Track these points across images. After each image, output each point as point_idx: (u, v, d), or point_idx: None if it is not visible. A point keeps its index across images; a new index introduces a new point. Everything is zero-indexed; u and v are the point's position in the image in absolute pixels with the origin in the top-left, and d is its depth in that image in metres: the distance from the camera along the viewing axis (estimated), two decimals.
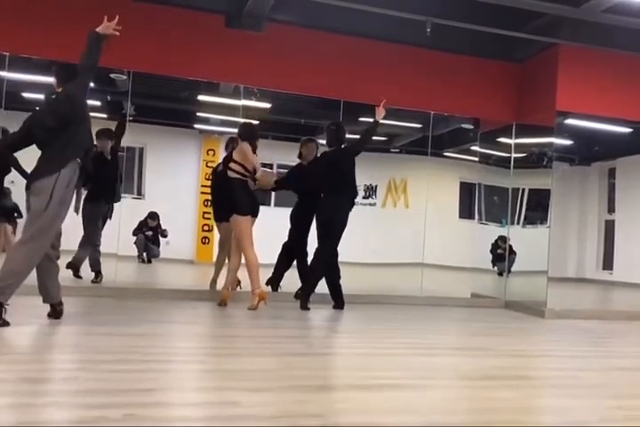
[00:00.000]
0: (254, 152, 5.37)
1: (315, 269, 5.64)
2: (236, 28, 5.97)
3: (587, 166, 12.16)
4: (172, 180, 9.50)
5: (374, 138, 5.92)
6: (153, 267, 9.01)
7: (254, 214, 5.42)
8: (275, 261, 6.17)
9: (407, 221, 9.03)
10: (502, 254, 7.53)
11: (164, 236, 9.06)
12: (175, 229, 9.07)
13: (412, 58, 6.71)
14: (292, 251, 6.06)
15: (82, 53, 3.93)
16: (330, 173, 5.62)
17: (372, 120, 5.70)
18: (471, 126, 7.99)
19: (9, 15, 5.46)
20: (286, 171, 8.68)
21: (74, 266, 6.04)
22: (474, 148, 8.01)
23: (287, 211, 6.21)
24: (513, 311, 6.65)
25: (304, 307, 5.46)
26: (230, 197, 5.35)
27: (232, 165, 5.38)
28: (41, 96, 5.97)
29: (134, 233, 8.70)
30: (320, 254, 5.60)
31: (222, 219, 5.81)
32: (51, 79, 4.10)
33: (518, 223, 7.64)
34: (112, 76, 6.51)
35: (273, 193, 8.11)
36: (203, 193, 9.39)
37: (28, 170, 4.94)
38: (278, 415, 2.33)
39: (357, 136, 5.94)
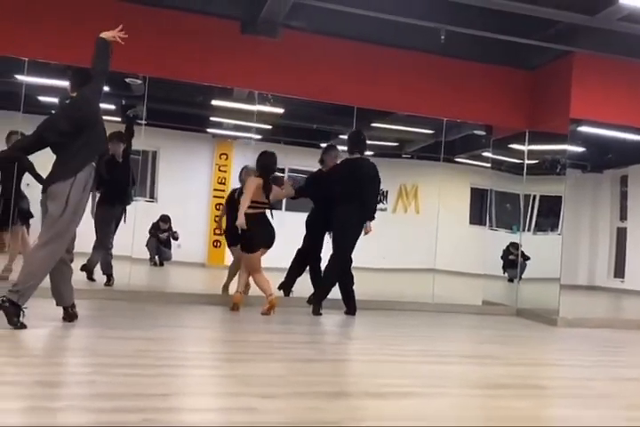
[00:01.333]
0: (269, 187, 5.40)
1: (328, 275, 5.65)
2: (252, 34, 6.00)
3: (599, 173, 12.10)
4: (185, 183, 9.56)
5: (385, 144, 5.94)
6: (165, 270, 9.06)
7: (267, 246, 5.43)
8: (286, 265, 6.19)
9: (418, 226, 9.03)
10: (514, 260, 7.50)
11: (175, 238, 9.11)
12: (187, 233, 9.11)
13: (426, 65, 6.72)
14: (305, 257, 6.07)
15: (92, 59, 4.01)
16: (346, 181, 5.62)
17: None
18: (483, 133, 7.99)
19: (27, 22, 5.54)
20: (296, 174, 8.73)
21: (88, 269, 6.09)
22: (485, 154, 8.00)
23: (298, 215, 6.23)
24: (524, 319, 6.62)
25: (316, 312, 5.47)
26: (241, 230, 5.37)
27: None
28: (57, 100, 6.08)
29: (150, 232, 8.76)
30: (334, 260, 5.62)
31: (233, 244, 5.90)
32: (66, 83, 4.18)
33: (529, 230, 7.62)
34: (127, 80, 6.57)
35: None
36: (215, 197, 9.45)
37: (42, 174, 5.02)
38: (294, 422, 2.34)
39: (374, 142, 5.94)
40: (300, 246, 6.12)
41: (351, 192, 5.57)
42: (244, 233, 5.35)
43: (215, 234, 9.53)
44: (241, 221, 5.23)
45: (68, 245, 3.98)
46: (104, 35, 4.03)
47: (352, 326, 5.44)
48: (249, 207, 5.35)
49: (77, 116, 3.90)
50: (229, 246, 6.13)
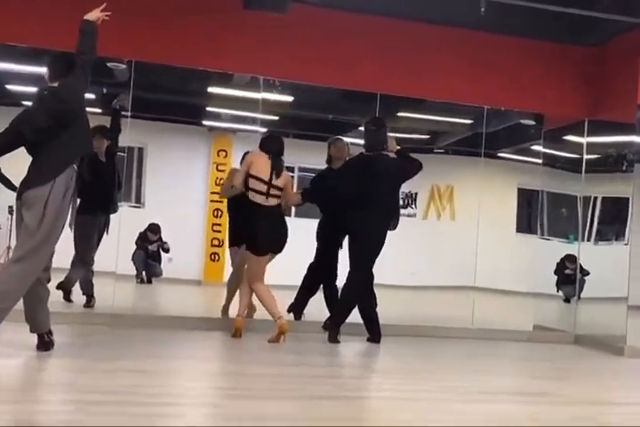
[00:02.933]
0: (279, 167, 5.45)
1: (347, 295, 5.68)
2: (255, 9, 6.06)
3: None
4: (177, 185, 9.63)
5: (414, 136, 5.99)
6: (154, 288, 9.13)
7: (273, 249, 5.48)
8: (297, 282, 6.23)
9: (454, 235, 9.04)
10: (570, 276, 7.49)
11: (166, 250, 9.16)
12: (180, 244, 9.18)
13: (462, 42, 6.75)
14: (318, 273, 6.11)
15: (77, 44, 4.09)
16: (362, 180, 5.61)
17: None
18: (532, 122, 8.01)
19: None
20: (306, 173, 8.75)
21: (65, 288, 6.18)
22: (535, 148, 8.02)
23: (310, 222, 6.28)
24: (584, 348, 6.61)
25: (333, 339, 5.49)
26: (250, 226, 5.44)
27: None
28: (27, 88, 6.18)
29: (136, 243, 8.83)
30: (353, 278, 5.64)
31: (235, 243, 6.00)
32: (40, 70, 4.25)
33: (589, 239, 7.60)
34: (109, 65, 6.66)
35: None
36: (212, 201, 9.51)
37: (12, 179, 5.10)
38: None
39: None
40: (312, 261, 6.16)
41: (368, 194, 5.57)
42: (249, 229, 5.41)
43: (213, 245, 9.61)
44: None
45: (46, 262, 4.04)
46: (89, 16, 4.11)
47: (376, 356, 5.48)
48: (254, 191, 5.40)
49: (60, 109, 3.97)
50: (230, 246, 6.24)
